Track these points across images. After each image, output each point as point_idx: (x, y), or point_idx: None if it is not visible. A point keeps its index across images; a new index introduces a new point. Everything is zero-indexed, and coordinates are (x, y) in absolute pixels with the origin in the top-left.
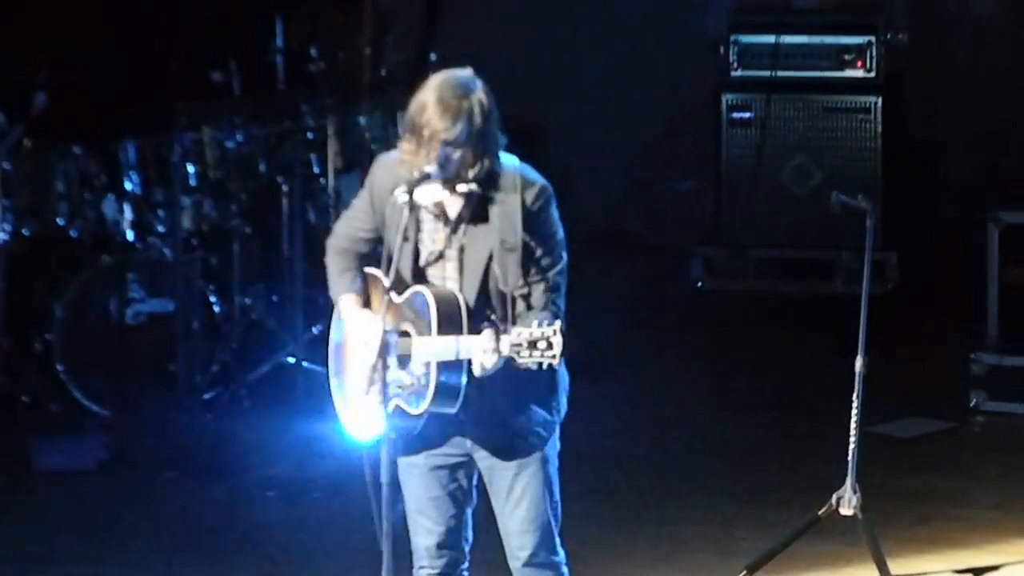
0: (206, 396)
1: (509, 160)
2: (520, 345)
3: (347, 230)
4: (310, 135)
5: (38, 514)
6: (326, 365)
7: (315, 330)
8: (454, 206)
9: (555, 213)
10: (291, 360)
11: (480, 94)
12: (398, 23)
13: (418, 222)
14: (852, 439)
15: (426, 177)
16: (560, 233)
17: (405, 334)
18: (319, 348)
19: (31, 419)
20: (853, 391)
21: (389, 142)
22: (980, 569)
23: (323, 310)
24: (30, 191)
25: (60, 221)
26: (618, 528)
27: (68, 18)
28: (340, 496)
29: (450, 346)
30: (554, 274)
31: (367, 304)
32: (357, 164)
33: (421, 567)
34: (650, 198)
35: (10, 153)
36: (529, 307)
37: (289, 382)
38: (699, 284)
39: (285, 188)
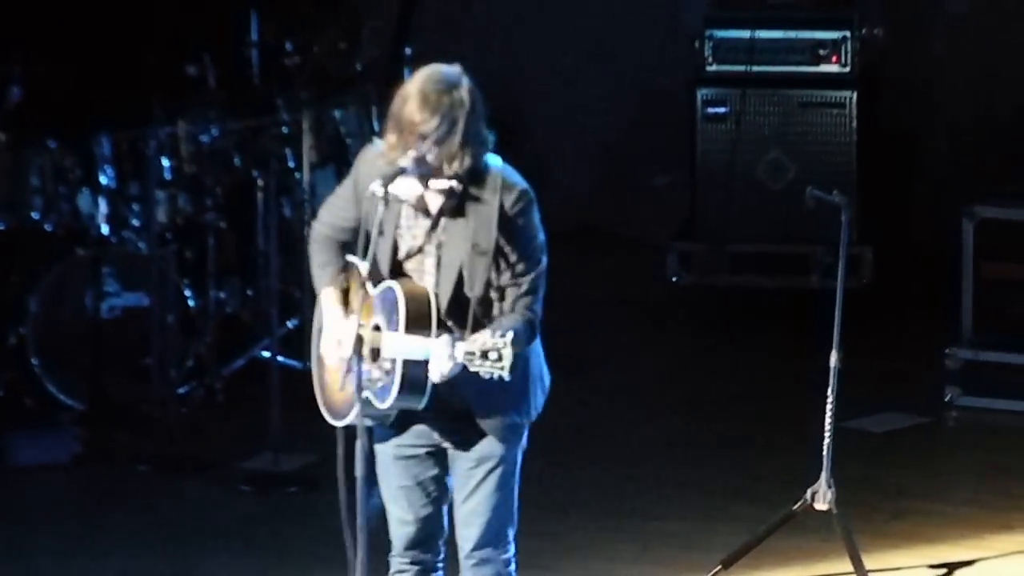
0: (181, 390)
1: (494, 161)
2: (473, 354)
3: (329, 218)
4: (285, 129)
5: (11, 508)
6: (310, 355)
7: (290, 324)
8: (434, 202)
9: (535, 217)
10: (266, 354)
11: (464, 90)
12: (373, 17)
13: (398, 215)
14: (827, 434)
15: (401, 172)
16: (540, 237)
17: (377, 328)
18: (294, 342)
19: (5, 413)
20: (828, 386)
21: (364, 136)
22: (955, 564)
23: (298, 304)
24: (4, 185)
25: (35, 215)
26: (594, 523)
27: (42, 11)
28: (316, 490)
29: (415, 346)
30: (531, 279)
31: (347, 291)
32: (332, 158)
33: (393, 556)
34: (625, 193)
35: None
36: (503, 311)
37: (264, 376)
38: (674, 279)
39: (260, 182)
